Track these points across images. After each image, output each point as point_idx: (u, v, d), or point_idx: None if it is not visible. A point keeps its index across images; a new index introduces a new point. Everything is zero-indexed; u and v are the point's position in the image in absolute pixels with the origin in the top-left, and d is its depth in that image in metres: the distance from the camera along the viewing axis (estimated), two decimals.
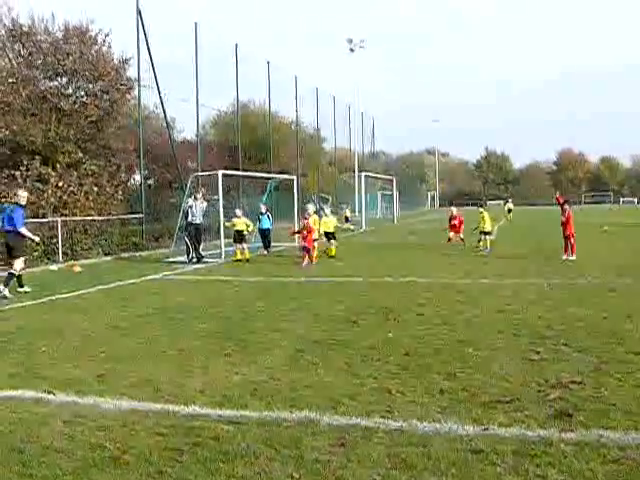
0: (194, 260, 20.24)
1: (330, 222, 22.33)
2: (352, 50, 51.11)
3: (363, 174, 42.72)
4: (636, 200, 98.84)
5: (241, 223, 21.48)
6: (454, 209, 26.66)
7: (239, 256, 20.90)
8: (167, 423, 5.53)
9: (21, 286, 14.28)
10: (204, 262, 20.16)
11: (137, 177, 28.99)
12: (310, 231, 19.31)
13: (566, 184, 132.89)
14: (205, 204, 21.29)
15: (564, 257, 18.20)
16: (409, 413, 5.65)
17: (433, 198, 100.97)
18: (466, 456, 4.75)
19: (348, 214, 42.94)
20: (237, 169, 31.22)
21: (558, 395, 6.08)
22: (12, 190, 18.34)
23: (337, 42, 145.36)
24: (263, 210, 24.05)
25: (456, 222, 25.13)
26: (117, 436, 5.25)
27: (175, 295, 13.24)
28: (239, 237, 21.21)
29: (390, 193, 57.28)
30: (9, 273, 13.99)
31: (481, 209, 24.48)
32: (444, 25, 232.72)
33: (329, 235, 21.82)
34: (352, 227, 39.61)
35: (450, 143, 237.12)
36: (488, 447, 4.89)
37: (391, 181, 54.49)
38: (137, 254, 23.63)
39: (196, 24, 29.77)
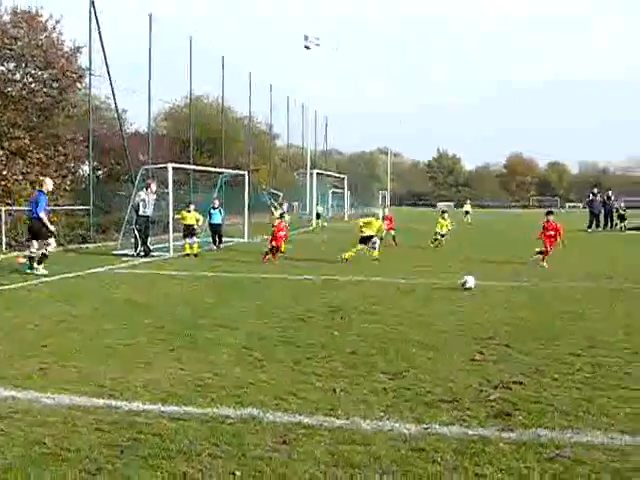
0: (142, 254, 20.00)
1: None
2: (308, 47, 51.21)
3: (315, 172, 42.80)
4: (581, 205, 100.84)
5: (191, 217, 21.31)
6: (386, 210, 28.07)
7: (188, 251, 20.74)
8: (109, 419, 5.46)
9: (30, 268, 15.31)
10: (152, 256, 19.95)
11: (86, 168, 28.48)
12: (280, 230, 19.24)
13: (515, 188, 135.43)
14: (154, 197, 21.06)
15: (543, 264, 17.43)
16: (353, 411, 5.69)
17: (384, 197, 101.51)
18: (407, 454, 4.81)
19: (320, 211, 42.83)
20: (189, 163, 30.94)
21: (499, 395, 6.20)
22: None
23: (294, 39, 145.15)
24: (216, 204, 23.88)
25: (387, 222, 25.22)
26: (57, 432, 5.17)
27: (122, 289, 13.08)
28: (189, 231, 21.05)
29: (341, 191, 57.50)
30: (42, 254, 15.43)
31: (445, 215, 25.93)
32: (401, 26, 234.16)
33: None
34: (325, 224, 39.77)
35: (403, 144, 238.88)
36: (429, 446, 4.96)
37: (343, 179, 54.71)
38: (84, 246, 23.25)
39: (150, 16, 29.40)
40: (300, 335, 8.81)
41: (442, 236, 24.73)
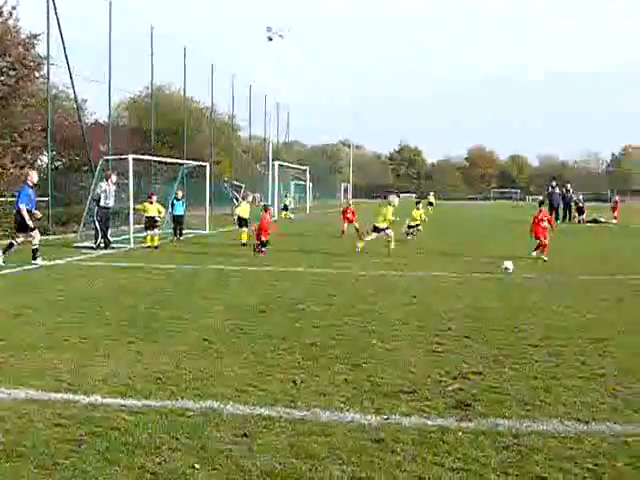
0: (102, 245, 19.75)
1: (244, 209, 21.76)
2: (270, 39, 50.93)
3: (277, 163, 42.69)
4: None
5: (153, 209, 21.10)
6: (350, 201, 28.04)
7: (149, 242, 20.54)
8: (67, 413, 5.39)
9: (34, 258, 15.53)
10: (112, 248, 19.72)
11: (44, 158, 28.01)
12: (267, 223, 18.79)
13: (476, 180, 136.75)
14: (115, 188, 20.81)
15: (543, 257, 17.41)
16: (313, 403, 5.71)
17: (346, 190, 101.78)
18: (367, 445, 4.84)
19: (287, 202, 42.73)
20: (150, 154, 30.62)
21: (458, 386, 6.26)
22: None
23: (257, 30, 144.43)
24: (179, 195, 23.69)
25: (349, 215, 25.38)
26: (12, 427, 5.08)
27: (81, 281, 12.92)
28: (150, 223, 20.84)
29: (303, 183, 57.45)
30: (10, 244, 15.75)
31: (419, 205, 25.86)
32: (365, 18, 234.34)
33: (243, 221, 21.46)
34: (292, 216, 39.60)
35: (365, 136, 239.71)
36: (389, 436, 4.99)
37: (304, 171, 54.66)
38: (43, 238, 22.84)
39: (110, 4, 29.00)
40: (261, 327, 8.79)
41: (415, 226, 24.14)
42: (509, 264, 14.70)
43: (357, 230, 24.34)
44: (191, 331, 8.49)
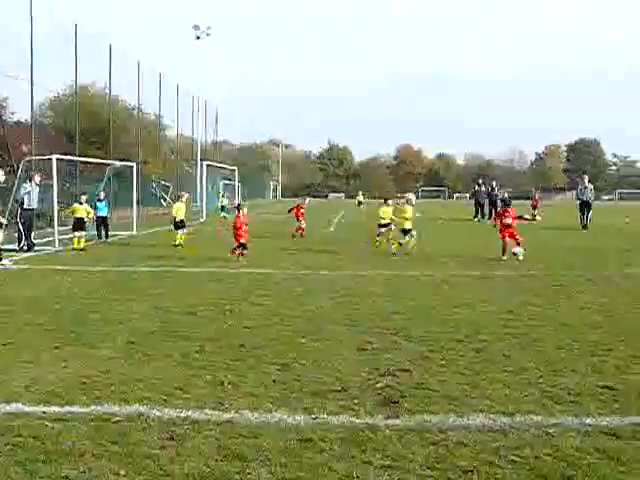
0: (25, 248, 19.19)
1: (178, 209, 21.10)
2: (198, 37, 50.55)
3: (205, 163, 42.32)
4: (468, 196, 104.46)
5: (82, 210, 20.58)
6: (307, 199, 27.76)
7: (76, 245, 19.96)
8: None
9: None
10: (35, 250, 19.17)
11: None
12: (243, 224, 17.08)
13: (405, 178, 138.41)
14: (38, 189, 20.24)
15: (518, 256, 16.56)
16: (241, 404, 5.68)
17: (275, 189, 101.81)
18: (295, 445, 4.84)
19: (225, 203, 42.30)
20: (75, 154, 29.90)
21: (386, 383, 6.33)
22: None
23: (184, 28, 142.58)
24: (102, 196, 23.20)
25: (302, 211, 25.14)
26: None
27: (3, 286, 12.49)
28: (79, 225, 20.27)
29: (232, 183, 57.11)
30: None
31: (389, 202, 21.60)
32: (291, 16, 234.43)
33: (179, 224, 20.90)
34: (227, 216, 39.26)
35: (295, 135, 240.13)
36: (317, 436, 5.01)
37: (233, 171, 54.36)
38: None
39: None
40: (189, 329, 8.69)
41: (386, 225, 20.48)
42: (518, 250, 16.36)
43: (302, 229, 24.24)
44: (118, 334, 8.32)
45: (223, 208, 40.75)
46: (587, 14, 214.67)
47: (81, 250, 19.59)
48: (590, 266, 15.84)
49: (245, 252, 16.62)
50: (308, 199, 28.66)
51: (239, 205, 17.47)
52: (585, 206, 30.59)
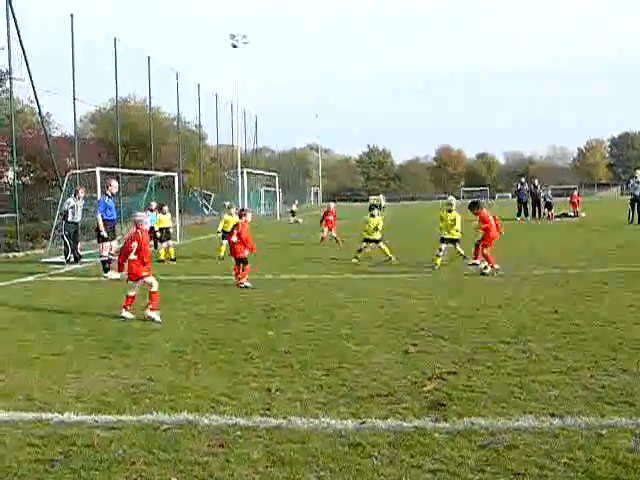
0: (72, 260, 19.54)
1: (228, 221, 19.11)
2: (235, 46, 50.87)
3: (245, 171, 42.64)
4: (510, 195, 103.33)
5: (166, 220, 20.41)
6: (332, 204, 26.00)
7: (164, 255, 19.42)
8: (39, 433, 5.31)
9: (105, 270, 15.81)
10: (82, 262, 19.50)
11: (10, 174, 27.65)
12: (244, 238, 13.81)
13: (446, 179, 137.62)
14: (82, 202, 20.58)
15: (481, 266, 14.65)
16: (288, 410, 5.69)
17: (316, 194, 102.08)
18: (344, 450, 4.83)
19: (295, 208, 43.47)
20: (117, 166, 30.38)
21: (433, 386, 6.28)
22: None
23: (220, 37, 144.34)
24: (153, 207, 23.20)
25: (330, 218, 24.33)
26: None
27: (50, 297, 12.73)
28: (166, 235, 19.99)
29: (273, 190, 57.41)
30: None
31: (374, 211, 18.47)
32: (328, 21, 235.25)
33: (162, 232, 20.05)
34: (300, 220, 40.02)
35: (332, 139, 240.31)
36: (365, 440, 4.99)
37: (274, 177, 54.66)
38: (11, 255, 22.58)
39: (72, 16, 28.74)
40: (233, 336, 8.74)
41: (375, 241, 17.83)
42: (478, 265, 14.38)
43: (336, 240, 23.12)
44: (164, 343, 8.42)
45: (293, 213, 41.80)
46: (628, 6, 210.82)
47: (172, 260, 19.16)
48: (637, 262, 15.52)
49: (248, 268, 13.72)
50: (333, 204, 26.56)
51: (242, 210, 14.84)
52: (637, 201, 29.91)
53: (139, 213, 11.58)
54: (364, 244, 17.83)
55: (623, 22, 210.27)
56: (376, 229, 17.72)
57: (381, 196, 54.30)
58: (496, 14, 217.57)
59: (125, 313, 10.29)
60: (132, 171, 28.52)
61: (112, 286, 14.19)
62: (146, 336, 8.86)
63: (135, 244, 10.46)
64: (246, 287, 13.15)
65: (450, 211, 16.11)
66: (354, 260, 17.23)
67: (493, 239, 14.74)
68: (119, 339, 8.69)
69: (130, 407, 5.91)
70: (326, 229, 24.29)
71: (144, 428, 5.36)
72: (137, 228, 10.72)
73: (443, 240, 15.85)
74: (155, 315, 10.07)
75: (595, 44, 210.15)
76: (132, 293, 10.43)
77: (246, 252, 13.56)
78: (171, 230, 20.54)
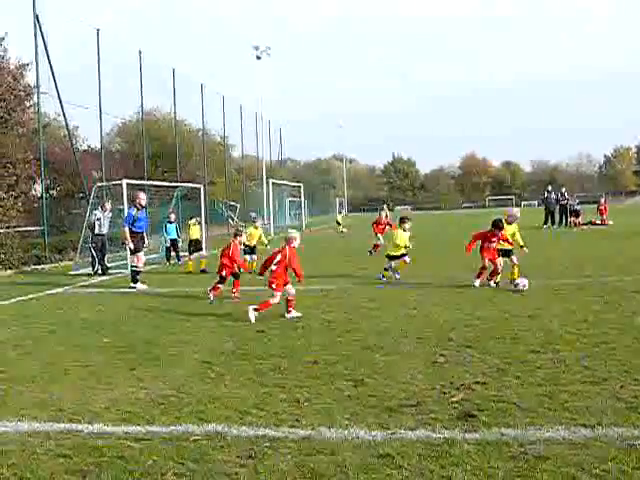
0: (99, 272, 19.74)
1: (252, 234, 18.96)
2: (259, 57, 51.22)
3: (271, 181, 42.81)
4: (536, 203, 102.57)
5: (197, 230, 20.46)
6: (384, 213, 25.06)
7: (191, 268, 19.50)
8: (70, 444, 5.36)
9: (134, 281, 16.06)
10: (109, 274, 19.69)
11: (38, 187, 28.03)
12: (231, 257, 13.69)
13: (471, 188, 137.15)
14: (110, 215, 20.80)
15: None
16: (317, 421, 5.68)
17: (341, 204, 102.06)
18: (373, 461, 4.81)
19: (339, 219, 44.29)
20: (143, 178, 30.65)
21: (462, 397, 6.25)
22: None
23: (244, 49, 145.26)
24: (172, 218, 23.38)
25: (382, 227, 23.71)
26: (15, 460, 5.04)
27: (79, 309, 12.86)
28: (197, 246, 20.07)
29: (298, 200, 57.54)
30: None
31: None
32: (352, 33, 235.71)
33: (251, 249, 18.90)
34: (345, 230, 40.44)
35: (357, 149, 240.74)
36: (395, 451, 4.97)
37: (299, 188, 54.78)
38: (40, 267, 22.87)
39: (98, 30, 29.14)
40: (261, 347, 8.76)
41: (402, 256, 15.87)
42: (524, 281, 13.02)
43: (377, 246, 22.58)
44: (191, 354, 8.46)
45: (338, 223, 42.64)
46: None
47: (202, 272, 18.99)
48: None
49: (221, 287, 13.53)
50: (385, 212, 25.30)
51: (237, 230, 14.68)
52: None
53: (292, 230, 11.86)
54: (391, 262, 15.86)
55: None
56: (405, 247, 15.79)
57: (385, 205, 53.12)
58: (511, 28, 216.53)
59: (292, 314, 11.01)
60: (158, 183, 28.71)
61: (140, 298, 14.29)
62: (175, 348, 8.91)
63: (279, 257, 11.07)
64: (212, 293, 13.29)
65: (510, 223, 14.63)
66: (397, 276, 15.55)
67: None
68: (148, 351, 8.75)
69: (159, 418, 5.94)
70: (380, 236, 23.45)
71: (173, 439, 5.38)
72: (287, 244, 11.26)
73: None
74: (294, 314, 10.97)
75: (622, 50, 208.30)
76: (290, 297, 11.11)
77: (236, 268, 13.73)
78: (202, 241, 20.56)
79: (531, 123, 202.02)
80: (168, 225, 23.04)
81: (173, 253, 23.32)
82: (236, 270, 13.73)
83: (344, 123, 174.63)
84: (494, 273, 13.99)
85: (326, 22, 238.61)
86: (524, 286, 12.95)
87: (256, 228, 19.05)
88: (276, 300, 10.91)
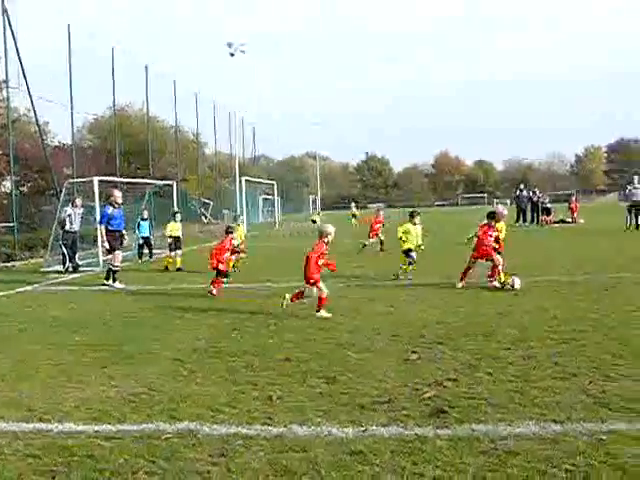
0: (70, 269, 19.54)
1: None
2: (232, 54, 50.90)
3: (244, 179, 42.64)
4: (509, 202, 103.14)
5: (178, 228, 20.23)
6: (382, 212, 24.61)
7: (170, 263, 19.51)
8: (39, 443, 5.29)
9: (111, 279, 15.77)
10: (80, 271, 19.49)
11: (8, 184, 27.68)
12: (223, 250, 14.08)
13: (443, 186, 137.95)
14: (80, 211, 20.58)
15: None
16: (289, 419, 5.68)
17: (314, 202, 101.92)
18: (345, 458, 4.82)
19: (317, 218, 44.09)
20: (115, 175, 30.38)
21: (434, 393, 6.28)
22: None
23: (218, 46, 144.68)
24: (145, 215, 23.22)
25: (378, 226, 23.14)
26: None
27: (50, 307, 12.72)
28: (176, 244, 19.84)
29: (271, 198, 57.45)
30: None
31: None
32: (328, 31, 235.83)
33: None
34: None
35: (331, 147, 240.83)
36: (367, 448, 4.98)
37: (272, 186, 54.68)
38: (9, 265, 22.58)
39: (69, 26, 28.87)
40: (234, 344, 8.73)
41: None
42: (517, 280, 12.81)
43: (365, 245, 22.41)
44: (164, 352, 8.40)
45: (314, 222, 42.64)
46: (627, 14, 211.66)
47: (178, 270, 19.10)
48: (636, 267, 15.52)
49: (225, 281, 13.86)
50: (382, 211, 25.02)
51: (229, 227, 14.78)
52: (635, 207, 30.02)
53: (327, 225, 11.36)
54: (411, 254, 15.46)
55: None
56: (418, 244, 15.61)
57: (353, 203, 51.67)
58: (500, 29, 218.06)
59: (322, 313, 10.58)
60: (130, 180, 28.46)
61: (113, 296, 14.18)
62: (147, 346, 8.84)
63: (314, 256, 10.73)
64: (211, 293, 13.33)
65: (497, 221, 14.19)
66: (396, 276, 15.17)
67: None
68: (119, 349, 8.68)
69: (130, 416, 5.90)
70: (376, 236, 23.00)
71: (145, 437, 5.35)
72: (320, 239, 10.91)
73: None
74: (323, 313, 10.54)
75: (590, 51, 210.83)
76: (323, 295, 10.68)
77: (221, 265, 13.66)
78: (181, 239, 20.37)
79: (505, 123, 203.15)
80: (141, 222, 22.89)
81: (146, 250, 23.19)
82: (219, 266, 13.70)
83: (319, 120, 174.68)
84: (495, 270, 13.46)
85: (303, 21, 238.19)
86: (516, 284, 12.80)
87: (239, 225, 19.50)
88: (325, 292, 10.65)
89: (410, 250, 15.48)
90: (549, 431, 5.22)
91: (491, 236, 13.75)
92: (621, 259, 17.77)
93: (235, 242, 17.20)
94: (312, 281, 10.69)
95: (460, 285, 13.49)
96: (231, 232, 14.52)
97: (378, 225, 23.22)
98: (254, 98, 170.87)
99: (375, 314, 10.71)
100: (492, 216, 14.06)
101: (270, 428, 5.48)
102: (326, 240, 10.89)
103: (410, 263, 15.40)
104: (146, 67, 37.53)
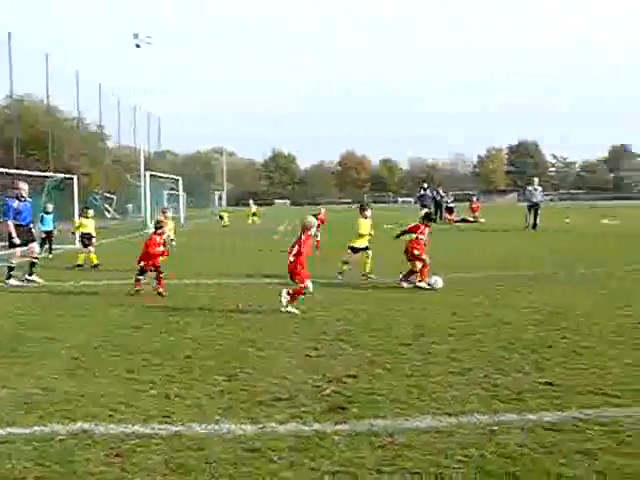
0: None
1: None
2: (138, 46, 49.84)
3: (148, 173, 41.82)
4: (413, 200, 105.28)
5: (90, 224, 19.31)
6: (323, 210, 25.33)
7: (82, 260, 18.56)
8: None
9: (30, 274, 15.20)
10: None
11: None
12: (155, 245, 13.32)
13: (350, 184, 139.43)
14: None
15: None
16: (188, 417, 5.62)
17: (220, 198, 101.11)
18: (243, 455, 4.81)
19: (225, 215, 42.98)
20: (11, 167, 29.18)
21: (333, 389, 6.34)
22: None
23: (124, 37, 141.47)
24: (49, 209, 22.22)
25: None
26: None
27: None
28: (89, 240, 18.84)
29: (177, 193, 56.60)
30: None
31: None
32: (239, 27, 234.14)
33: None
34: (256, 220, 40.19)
35: (238, 143, 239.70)
36: (265, 445, 4.99)
37: (177, 181, 53.90)
38: None
39: None
40: (134, 343, 8.55)
41: (364, 249, 14.99)
42: (439, 280, 12.83)
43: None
44: (61, 351, 8.14)
45: (221, 217, 42.50)
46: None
47: (94, 267, 18.27)
48: (533, 265, 16.15)
49: (142, 279, 13.12)
50: (324, 210, 26.63)
51: (158, 223, 14.19)
52: (534, 207, 31.46)
53: (310, 219, 11.11)
54: (350, 253, 15.07)
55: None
56: (370, 234, 15.04)
57: (251, 201, 50.52)
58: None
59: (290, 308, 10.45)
60: (28, 172, 27.37)
61: (9, 293, 13.64)
62: (44, 345, 8.53)
63: (296, 248, 10.64)
64: (160, 294, 12.66)
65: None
66: (340, 277, 14.52)
67: None
68: (13, 347, 8.35)
69: (22, 419, 5.69)
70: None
71: (36, 440, 5.17)
72: (303, 232, 10.80)
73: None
74: (292, 308, 10.43)
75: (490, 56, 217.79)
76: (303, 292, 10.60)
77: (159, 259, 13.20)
78: (94, 236, 19.68)
79: (410, 123, 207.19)
80: (45, 216, 21.99)
81: (46, 245, 22.36)
82: (157, 265, 13.09)
83: (228, 118, 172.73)
84: (424, 271, 13.27)
85: (216, 21, 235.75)
86: (435, 283, 12.84)
87: (168, 219, 19.62)
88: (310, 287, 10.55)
89: (355, 248, 14.98)
90: (445, 424, 5.38)
91: (423, 235, 13.63)
92: (522, 258, 18.44)
93: (170, 234, 16.90)
94: (302, 278, 10.55)
95: (423, 284, 13.00)
96: (160, 227, 13.87)
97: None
98: (160, 91, 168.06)
99: (274, 311, 10.61)
100: (429, 218, 14.24)
101: (168, 426, 5.40)
102: (310, 233, 10.93)
103: (345, 262, 14.93)
104: (46, 55, 36.35)
